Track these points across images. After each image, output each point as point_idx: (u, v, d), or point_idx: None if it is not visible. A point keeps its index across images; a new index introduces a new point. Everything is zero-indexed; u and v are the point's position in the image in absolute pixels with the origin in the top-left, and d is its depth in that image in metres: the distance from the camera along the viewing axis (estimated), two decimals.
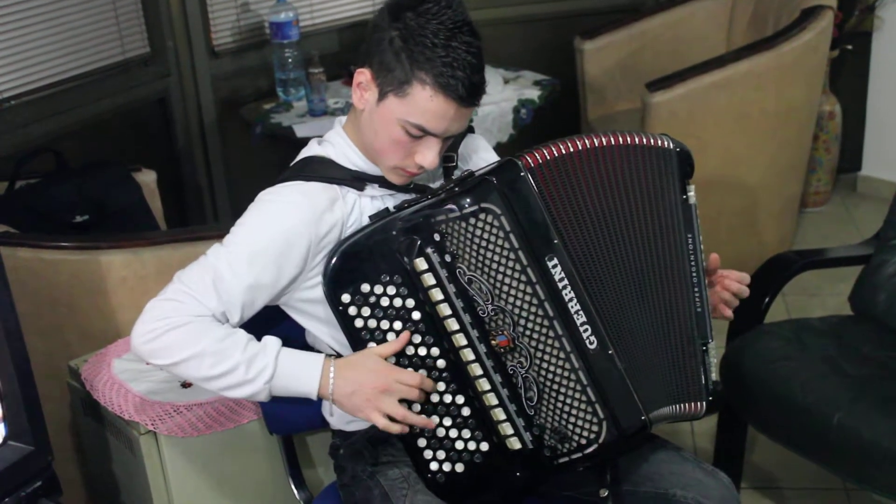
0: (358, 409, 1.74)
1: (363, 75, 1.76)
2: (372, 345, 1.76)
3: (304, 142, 1.93)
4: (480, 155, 1.99)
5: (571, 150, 1.77)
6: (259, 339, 1.76)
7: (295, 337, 1.89)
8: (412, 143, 1.75)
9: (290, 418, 2.05)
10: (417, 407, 1.77)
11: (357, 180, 1.82)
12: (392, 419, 1.74)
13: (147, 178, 3.14)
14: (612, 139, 1.82)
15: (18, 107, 3.15)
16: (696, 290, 1.84)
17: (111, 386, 2.16)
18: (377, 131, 1.77)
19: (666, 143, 1.87)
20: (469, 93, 1.69)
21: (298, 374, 1.74)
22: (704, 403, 1.83)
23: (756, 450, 2.97)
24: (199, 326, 1.71)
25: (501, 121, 3.54)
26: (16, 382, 1.80)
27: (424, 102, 1.70)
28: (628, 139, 1.84)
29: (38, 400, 1.85)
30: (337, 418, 1.97)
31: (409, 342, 1.76)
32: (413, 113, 1.71)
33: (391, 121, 1.74)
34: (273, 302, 1.83)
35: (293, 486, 2.15)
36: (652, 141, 1.86)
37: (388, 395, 1.73)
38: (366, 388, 1.73)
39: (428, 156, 1.75)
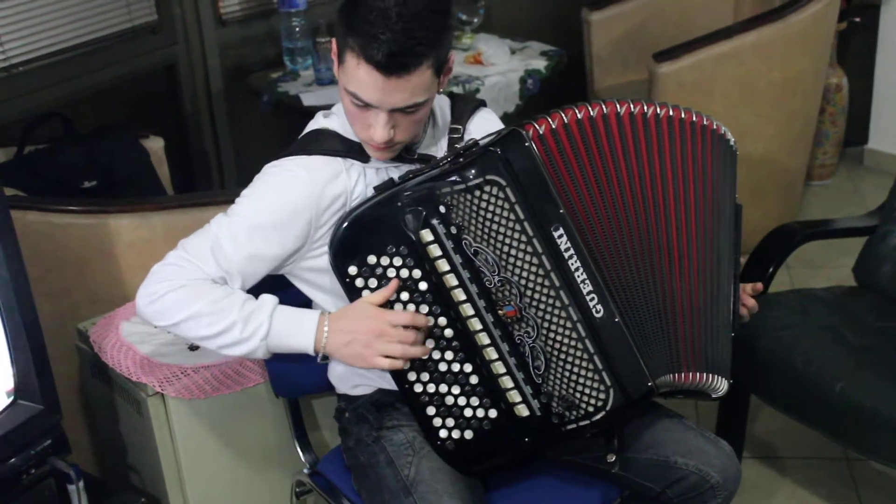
0: (357, 357, 1.75)
1: (332, 44, 1.76)
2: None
3: (310, 110, 1.93)
4: (490, 129, 1.98)
5: (593, 113, 1.76)
6: None
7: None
8: (363, 114, 1.72)
9: (297, 381, 2.07)
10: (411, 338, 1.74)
11: (361, 152, 1.82)
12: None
13: (155, 145, 3.14)
14: (657, 109, 1.81)
15: (27, 73, 3.14)
16: (732, 282, 1.88)
17: (119, 348, 2.18)
18: (342, 102, 1.77)
19: (729, 137, 1.90)
20: (388, 63, 1.62)
21: (294, 330, 1.76)
22: (727, 382, 1.85)
23: (758, 419, 2.99)
24: (197, 288, 1.74)
25: (508, 91, 3.53)
26: (26, 343, 1.82)
27: (353, 70, 1.67)
28: (682, 114, 1.83)
29: (48, 360, 1.87)
30: (340, 380, 1.98)
31: (408, 301, 1.76)
32: (349, 81, 1.69)
33: (342, 90, 1.73)
34: (276, 272, 1.85)
35: (299, 449, 2.18)
36: (714, 126, 1.87)
37: (383, 338, 1.73)
38: (360, 335, 1.73)
39: (375, 129, 1.72)
